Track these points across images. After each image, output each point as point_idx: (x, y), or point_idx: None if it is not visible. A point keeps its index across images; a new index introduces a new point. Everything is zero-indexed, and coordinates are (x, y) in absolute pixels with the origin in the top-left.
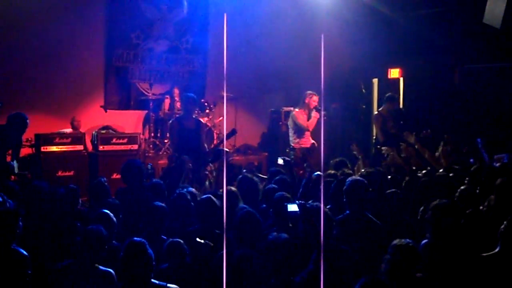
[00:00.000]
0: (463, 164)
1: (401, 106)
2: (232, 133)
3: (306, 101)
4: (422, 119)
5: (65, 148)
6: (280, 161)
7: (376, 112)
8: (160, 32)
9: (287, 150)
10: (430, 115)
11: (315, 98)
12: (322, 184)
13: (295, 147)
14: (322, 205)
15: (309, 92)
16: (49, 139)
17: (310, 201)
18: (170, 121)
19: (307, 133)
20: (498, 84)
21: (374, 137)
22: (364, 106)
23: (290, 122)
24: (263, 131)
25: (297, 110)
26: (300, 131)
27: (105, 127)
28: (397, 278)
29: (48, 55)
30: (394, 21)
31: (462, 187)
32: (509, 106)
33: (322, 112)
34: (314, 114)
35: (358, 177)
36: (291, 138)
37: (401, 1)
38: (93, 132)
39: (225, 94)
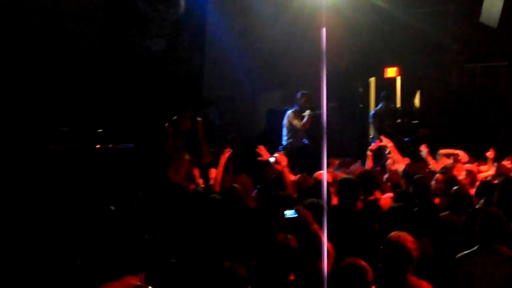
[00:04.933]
0: None
1: (398, 105)
2: (232, 140)
3: (299, 102)
4: (418, 118)
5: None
6: (272, 159)
7: (373, 111)
8: (157, 31)
9: (279, 149)
10: (426, 114)
11: (308, 98)
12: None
13: (287, 147)
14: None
15: (301, 93)
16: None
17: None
18: (166, 125)
19: (301, 134)
20: (495, 83)
21: (371, 136)
22: (361, 106)
23: (285, 122)
24: (261, 131)
25: (292, 110)
26: (294, 132)
27: None
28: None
29: (42, 55)
30: (391, 19)
31: None
32: (507, 105)
33: (317, 111)
34: (307, 113)
35: (350, 176)
36: (284, 138)
37: None
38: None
39: None
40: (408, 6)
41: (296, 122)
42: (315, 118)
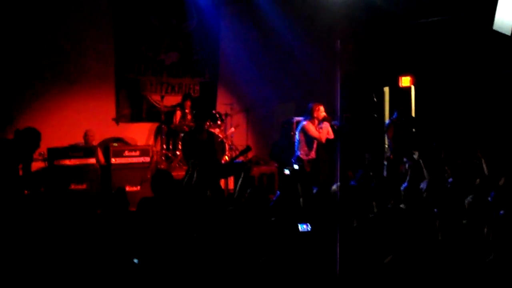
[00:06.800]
0: None
1: (413, 114)
2: (246, 150)
3: (315, 114)
4: (434, 127)
5: (78, 161)
6: (287, 171)
7: (388, 121)
8: (170, 44)
9: (292, 161)
10: (442, 124)
11: (322, 108)
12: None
13: (302, 159)
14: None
15: (314, 104)
16: (62, 152)
17: None
18: (183, 135)
19: (315, 145)
20: (510, 91)
21: (387, 146)
22: (375, 115)
23: (300, 134)
24: (275, 142)
25: (307, 122)
26: (310, 143)
27: (117, 140)
28: None
29: (59, 68)
30: (405, 28)
31: None
32: None
33: (333, 122)
34: (324, 125)
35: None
36: (299, 150)
37: (412, 7)
38: (105, 145)
39: None
40: (421, 14)
41: (312, 134)
42: (332, 129)
